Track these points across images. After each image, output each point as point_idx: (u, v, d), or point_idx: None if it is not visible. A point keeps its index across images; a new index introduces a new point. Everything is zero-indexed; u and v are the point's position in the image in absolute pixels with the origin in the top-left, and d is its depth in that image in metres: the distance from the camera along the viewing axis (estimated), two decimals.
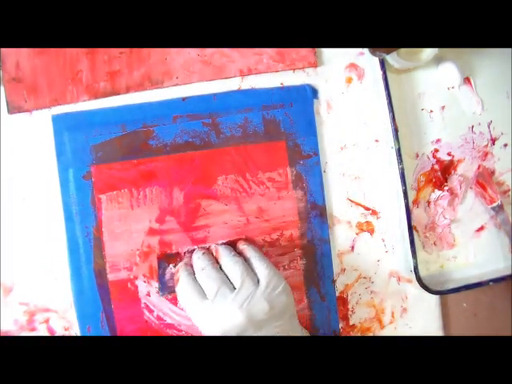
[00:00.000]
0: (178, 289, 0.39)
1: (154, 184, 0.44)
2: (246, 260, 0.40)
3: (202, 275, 0.38)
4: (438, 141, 0.48)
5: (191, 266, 0.41)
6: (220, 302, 0.36)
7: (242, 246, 0.42)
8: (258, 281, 0.37)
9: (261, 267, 0.38)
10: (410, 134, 0.48)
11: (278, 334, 0.36)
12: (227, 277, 0.38)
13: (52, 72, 0.43)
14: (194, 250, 0.43)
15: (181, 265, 0.41)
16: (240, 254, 0.41)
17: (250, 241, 0.44)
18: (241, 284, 0.36)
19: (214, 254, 0.41)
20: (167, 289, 0.44)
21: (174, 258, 0.44)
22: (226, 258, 0.39)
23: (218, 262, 0.40)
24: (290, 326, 0.38)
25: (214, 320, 0.36)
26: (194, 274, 0.39)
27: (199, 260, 0.40)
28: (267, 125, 0.45)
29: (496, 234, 0.50)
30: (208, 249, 0.43)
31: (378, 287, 0.47)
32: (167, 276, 0.43)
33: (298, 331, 0.39)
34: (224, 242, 0.44)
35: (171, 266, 0.44)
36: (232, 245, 0.43)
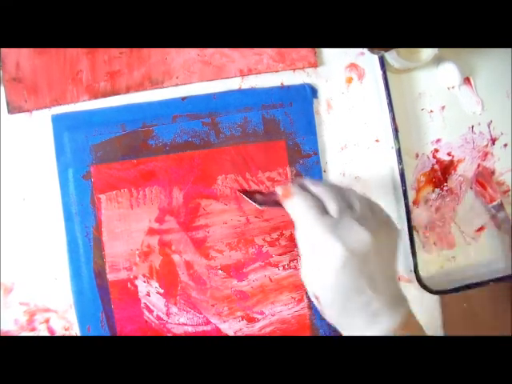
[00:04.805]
0: (292, 201, 0.36)
1: (154, 184, 0.44)
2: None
3: (320, 192, 0.36)
4: (438, 141, 0.48)
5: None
6: (347, 221, 0.34)
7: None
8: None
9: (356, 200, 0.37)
10: (409, 134, 0.48)
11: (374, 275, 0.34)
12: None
13: (52, 72, 0.43)
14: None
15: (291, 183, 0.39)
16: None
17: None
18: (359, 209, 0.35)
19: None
20: (265, 203, 0.41)
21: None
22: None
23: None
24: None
25: (343, 237, 0.34)
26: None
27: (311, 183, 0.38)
28: (267, 124, 0.45)
29: (496, 234, 0.49)
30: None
31: None
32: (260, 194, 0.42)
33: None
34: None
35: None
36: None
